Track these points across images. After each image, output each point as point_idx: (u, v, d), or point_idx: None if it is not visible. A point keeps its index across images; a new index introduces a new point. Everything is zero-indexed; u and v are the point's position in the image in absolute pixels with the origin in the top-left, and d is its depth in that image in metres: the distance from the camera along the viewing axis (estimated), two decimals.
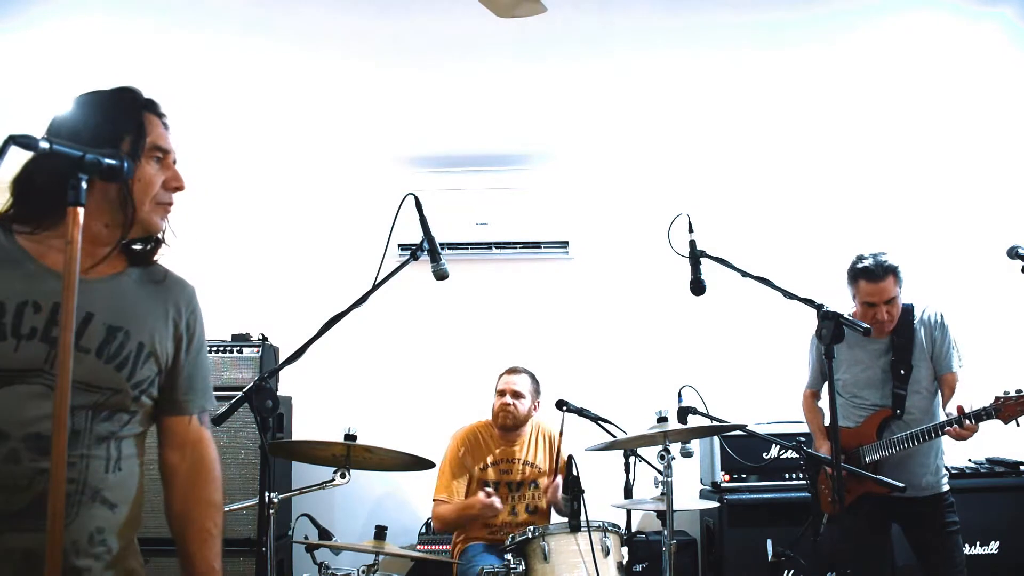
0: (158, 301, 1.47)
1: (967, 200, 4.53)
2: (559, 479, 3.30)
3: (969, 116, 4.01)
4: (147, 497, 1.48)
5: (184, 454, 1.53)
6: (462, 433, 3.56)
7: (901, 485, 2.54)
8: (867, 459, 2.91)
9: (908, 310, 2.96)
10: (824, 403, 3.23)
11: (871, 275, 2.84)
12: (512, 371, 3.57)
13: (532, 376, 3.58)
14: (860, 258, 2.91)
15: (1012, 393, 2.63)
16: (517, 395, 3.46)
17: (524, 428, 3.53)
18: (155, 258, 1.51)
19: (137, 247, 1.48)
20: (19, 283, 1.30)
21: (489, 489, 3.25)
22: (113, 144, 1.32)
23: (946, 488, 2.91)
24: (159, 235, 1.49)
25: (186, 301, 1.53)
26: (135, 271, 1.46)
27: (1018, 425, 2.62)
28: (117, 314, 1.38)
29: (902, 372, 2.90)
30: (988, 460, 3.93)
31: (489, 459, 3.46)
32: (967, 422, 2.64)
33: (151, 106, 1.45)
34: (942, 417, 2.92)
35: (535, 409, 3.53)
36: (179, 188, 1.47)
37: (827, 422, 3.17)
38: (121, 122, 1.39)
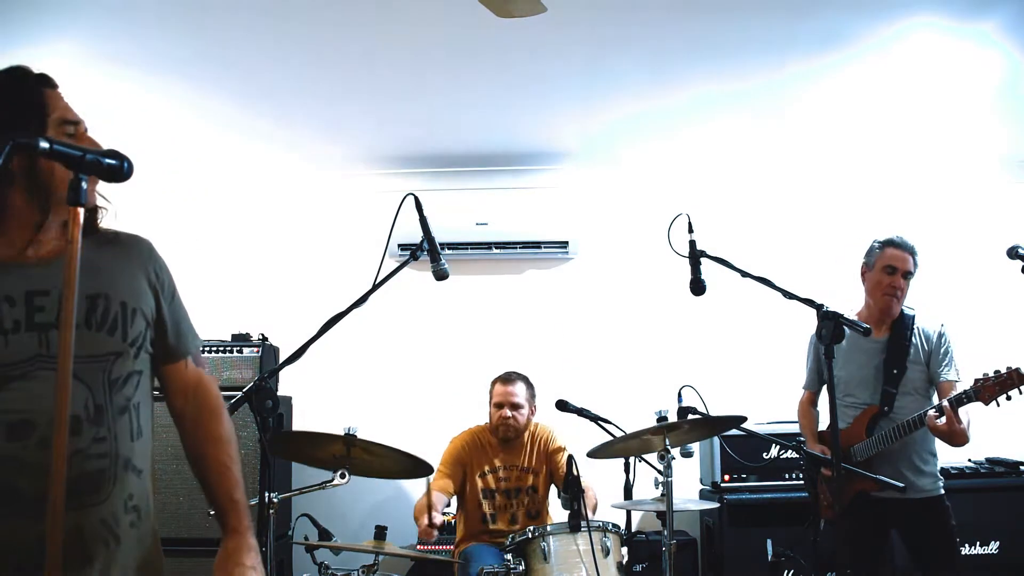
0: (122, 260, 1.47)
1: (964, 201, 4.54)
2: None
3: (959, 121, 4.02)
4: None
5: (187, 398, 1.57)
6: (462, 437, 3.54)
7: (901, 485, 2.54)
8: (858, 458, 2.91)
9: (909, 316, 2.97)
10: (821, 405, 3.23)
11: (900, 243, 2.96)
12: (506, 380, 3.50)
13: (526, 381, 3.54)
14: (887, 236, 3.03)
15: (991, 374, 2.66)
16: (516, 407, 3.42)
17: (523, 435, 3.51)
18: (99, 223, 1.48)
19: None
20: None
21: (438, 520, 2.95)
22: (19, 129, 1.29)
23: (942, 492, 2.91)
24: (94, 204, 1.45)
25: (148, 253, 1.53)
26: (84, 242, 1.45)
27: (998, 405, 2.65)
28: (90, 283, 1.36)
29: (894, 372, 2.92)
30: (988, 460, 3.93)
31: (487, 467, 3.45)
32: (947, 408, 2.67)
33: (46, 81, 1.40)
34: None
35: (532, 414, 3.52)
36: None
37: (822, 426, 3.18)
38: (22, 105, 1.34)
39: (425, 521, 2.90)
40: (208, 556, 1.58)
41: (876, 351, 2.96)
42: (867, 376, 2.97)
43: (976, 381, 2.69)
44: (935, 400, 2.94)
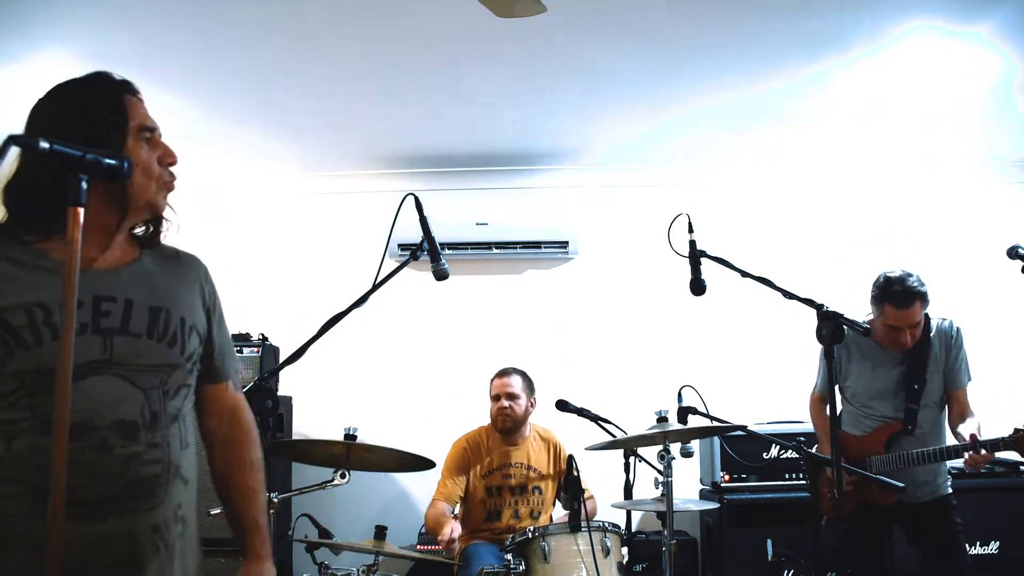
0: (182, 277, 1.51)
1: (964, 201, 4.54)
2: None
3: (959, 122, 4.01)
4: None
5: (221, 420, 1.59)
6: (463, 440, 3.56)
7: (901, 485, 2.53)
8: (873, 471, 2.86)
9: (924, 321, 2.86)
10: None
11: (899, 302, 2.73)
12: (503, 373, 3.56)
13: (523, 375, 3.56)
14: (888, 281, 2.79)
15: None
16: (512, 396, 3.45)
17: (525, 431, 3.53)
18: (161, 238, 1.52)
19: (140, 230, 1.49)
20: (56, 285, 1.31)
21: (457, 528, 3.08)
22: (100, 132, 1.31)
23: (950, 491, 2.90)
24: (162, 214, 1.49)
25: (204, 274, 1.57)
26: (148, 254, 1.49)
27: None
28: (153, 295, 1.41)
29: (915, 387, 2.84)
30: None
31: (491, 465, 3.46)
32: (983, 451, 2.61)
33: (128, 87, 1.43)
34: (948, 430, 2.91)
35: (532, 407, 3.53)
36: (173, 162, 1.45)
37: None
38: (104, 110, 1.36)
39: (445, 537, 2.99)
40: (209, 556, 1.59)
41: (894, 363, 2.89)
42: (885, 389, 2.90)
43: (1016, 431, 2.60)
44: (946, 408, 2.91)
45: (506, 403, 3.44)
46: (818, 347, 3.15)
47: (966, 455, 2.67)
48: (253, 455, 1.60)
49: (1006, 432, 2.63)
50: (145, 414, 1.33)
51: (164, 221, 1.51)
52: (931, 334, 2.88)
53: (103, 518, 1.27)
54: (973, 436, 2.66)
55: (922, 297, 2.74)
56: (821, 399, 3.17)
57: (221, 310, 1.60)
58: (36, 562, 1.12)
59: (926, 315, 2.87)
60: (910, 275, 2.77)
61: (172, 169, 1.45)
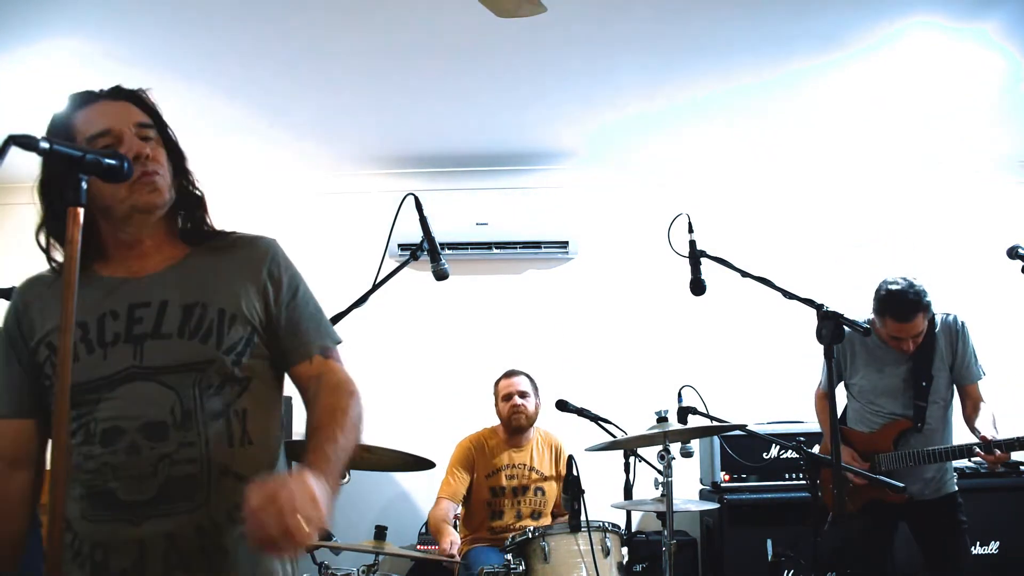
0: (232, 265, 1.44)
1: (964, 201, 4.54)
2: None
3: (959, 121, 4.01)
4: None
5: (312, 387, 1.44)
6: (467, 440, 3.57)
7: (901, 485, 2.53)
8: (883, 467, 2.87)
9: (928, 318, 2.84)
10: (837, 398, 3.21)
11: (900, 315, 2.74)
12: (510, 374, 3.58)
13: (528, 375, 3.60)
14: (889, 291, 2.76)
15: None
16: (523, 395, 3.49)
17: (530, 433, 3.54)
18: (206, 226, 1.49)
19: (186, 228, 1.47)
20: (95, 299, 1.35)
21: (456, 540, 3.15)
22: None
23: (955, 488, 2.90)
24: (187, 201, 1.46)
25: (264, 255, 1.48)
26: (200, 249, 1.46)
27: None
28: (190, 292, 1.37)
29: (923, 384, 2.83)
30: None
31: (495, 465, 3.47)
32: (997, 451, 2.61)
33: (80, 102, 1.38)
34: (955, 426, 2.90)
35: (539, 406, 3.55)
36: (140, 155, 1.34)
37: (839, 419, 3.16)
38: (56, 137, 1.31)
39: (445, 551, 3.06)
40: None
41: (901, 360, 2.89)
42: (892, 386, 2.90)
43: None
44: (956, 403, 2.90)
45: (519, 401, 3.46)
46: (820, 346, 3.18)
47: (986, 455, 2.65)
48: (341, 401, 1.38)
49: (1011, 432, 2.63)
50: (176, 413, 1.30)
51: (199, 211, 1.48)
52: (936, 330, 2.88)
53: (143, 520, 1.27)
54: (985, 439, 2.66)
55: (924, 309, 2.73)
56: (826, 395, 3.16)
57: (295, 287, 1.47)
58: (95, 560, 1.27)
59: (931, 312, 2.86)
60: (912, 285, 2.74)
61: (146, 162, 1.35)
